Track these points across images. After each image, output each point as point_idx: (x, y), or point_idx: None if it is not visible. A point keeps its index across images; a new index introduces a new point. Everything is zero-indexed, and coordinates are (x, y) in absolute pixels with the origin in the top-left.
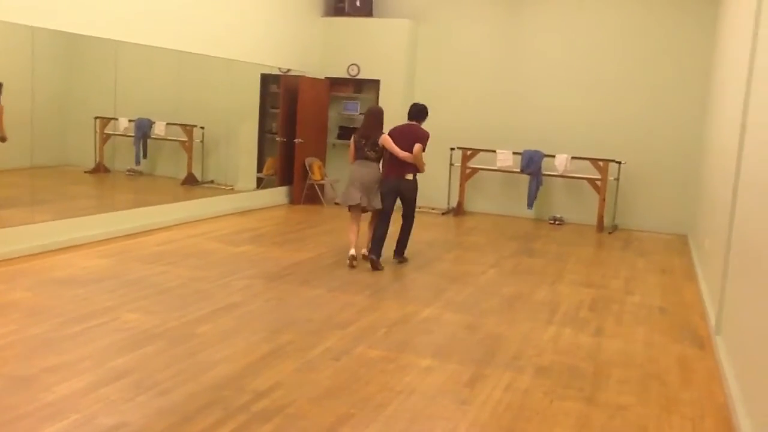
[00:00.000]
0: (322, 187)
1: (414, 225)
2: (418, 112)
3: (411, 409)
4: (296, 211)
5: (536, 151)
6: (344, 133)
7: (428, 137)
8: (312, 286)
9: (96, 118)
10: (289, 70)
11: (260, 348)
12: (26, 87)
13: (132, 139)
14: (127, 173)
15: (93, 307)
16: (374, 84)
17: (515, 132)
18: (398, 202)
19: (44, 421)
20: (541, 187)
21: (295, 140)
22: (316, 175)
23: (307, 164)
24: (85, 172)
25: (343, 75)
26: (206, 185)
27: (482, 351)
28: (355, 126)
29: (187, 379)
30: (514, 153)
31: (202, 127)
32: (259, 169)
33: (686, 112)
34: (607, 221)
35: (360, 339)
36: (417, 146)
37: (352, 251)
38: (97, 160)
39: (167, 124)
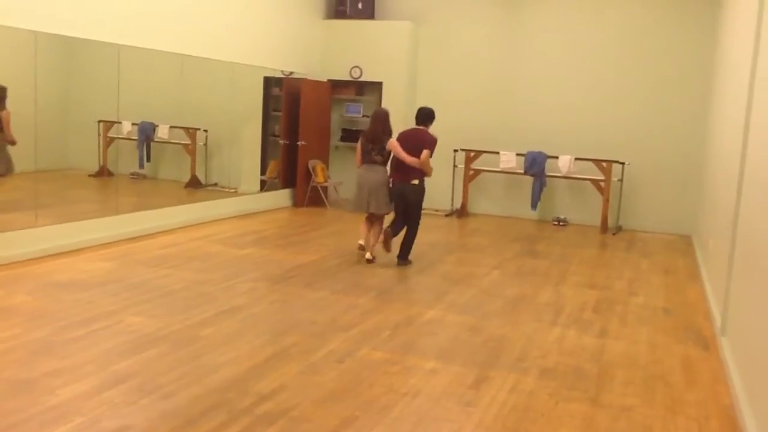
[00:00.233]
0: (325, 189)
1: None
2: (425, 116)
3: (416, 412)
4: (299, 213)
5: (539, 153)
6: (347, 135)
7: (435, 142)
8: (316, 289)
9: (99, 121)
10: (291, 73)
11: (264, 351)
12: (29, 91)
13: (135, 142)
14: (130, 176)
15: (96, 310)
16: (377, 86)
17: (518, 133)
18: None
19: (48, 424)
20: (544, 189)
21: (298, 143)
22: (319, 178)
23: (310, 167)
24: (89, 175)
25: (346, 77)
26: (209, 188)
27: (486, 353)
28: (357, 128)
29: (190, 382)
30: (517, 154)
31: (206, 130)
32: (263, 172)
33: (689, 112)
34: (610, 222)
35: (364, 341)
36: (425, 153)
37: (361, 241)
38: (101, 163)
39: (170, 127)
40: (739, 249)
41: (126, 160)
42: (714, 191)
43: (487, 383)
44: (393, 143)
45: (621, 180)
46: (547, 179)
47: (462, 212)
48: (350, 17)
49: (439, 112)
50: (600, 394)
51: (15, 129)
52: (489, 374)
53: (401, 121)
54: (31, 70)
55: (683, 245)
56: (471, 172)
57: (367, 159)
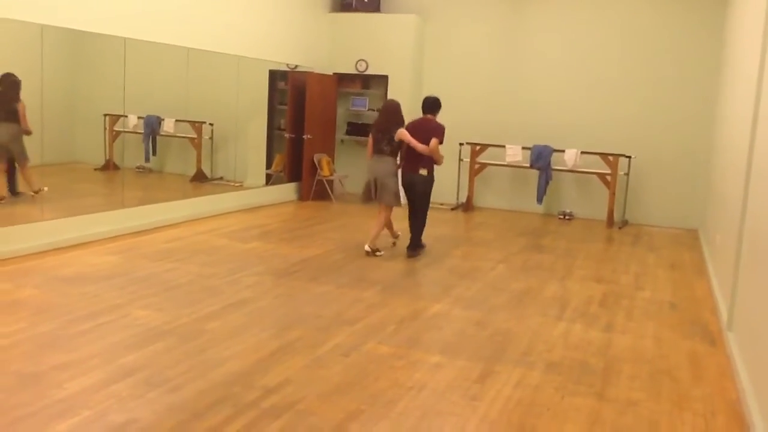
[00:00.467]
0: (331, 183)
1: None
2: (432, 105)
3: (421, 406)
4: (305, 207)
5: (545, 146)
6: (353, 129)
7: (444, 130)
8: (321, 283)
9: (105, 115)
10: (296, 66)
11: (270, 344)
12: (36, 84)
13: (141, 136)
14: (136, 170)
15: (102, 304)
16: (383, 79)
17: (524, 127)
18: None
19: (55, 417)
20: (550, 182)
21: (304, 136)
22: (324, 171)
23: (315, 160)
24: (95, 169)
25: (351, 71)
26: (215, 182)
27: (492, 347)
28: (363, 122)
29: (196, 375)
30: (523, 148)
31: (211, 124)
32: (268, 166)
33: (695, 106)
34: (617, 216)
35: (369, 335)
36: (434, 141)
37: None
38: (107, 157)
39: (176, 120)
40: (746, 244)
41: (132, 154)
42: (721, 185)
43: (492, 377)
44: (402, 132)
45: (627, 174)
46: (553, 173)
47: (468, 206)
48: (356, 10)
49: (444, 105)
50: (606, 388)
51: None
52: (494, 368)
53: (407, 114)
54: (37, 64)
55: (690, 239)
56: (477, 166)
57: (376, 149)
